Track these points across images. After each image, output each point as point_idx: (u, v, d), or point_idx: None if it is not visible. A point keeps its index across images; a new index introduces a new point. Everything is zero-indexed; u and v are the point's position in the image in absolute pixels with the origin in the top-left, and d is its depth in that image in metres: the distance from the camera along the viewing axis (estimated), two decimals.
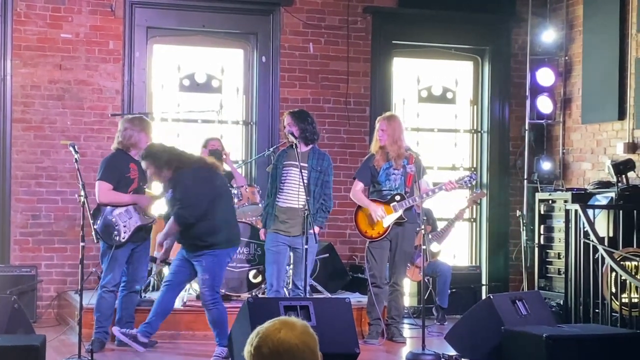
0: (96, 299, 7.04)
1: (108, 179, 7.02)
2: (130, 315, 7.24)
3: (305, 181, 7.22)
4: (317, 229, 7.31)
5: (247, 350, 2.48)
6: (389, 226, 7.55)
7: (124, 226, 7.03)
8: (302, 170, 7.20)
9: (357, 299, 8.14)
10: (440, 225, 9.10)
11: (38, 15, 8.94)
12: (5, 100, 8.84)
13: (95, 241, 6.70)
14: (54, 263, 8.95)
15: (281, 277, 7.32)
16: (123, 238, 7.02)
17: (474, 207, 10.17)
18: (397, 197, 7.55)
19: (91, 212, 6.84)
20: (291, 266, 7.62)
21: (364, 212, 7.68)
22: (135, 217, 7.09)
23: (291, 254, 7.44)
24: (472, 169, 10.24)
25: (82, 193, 6.55)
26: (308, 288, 7.47)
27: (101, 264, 7.04)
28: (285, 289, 7.56)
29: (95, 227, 6.71)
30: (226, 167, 8.61)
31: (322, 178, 7.36)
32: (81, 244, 6.52)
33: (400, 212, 7.52)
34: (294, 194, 7.30)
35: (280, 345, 2.43)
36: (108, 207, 7.06)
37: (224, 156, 8.57)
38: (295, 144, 7.30)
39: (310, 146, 7.41)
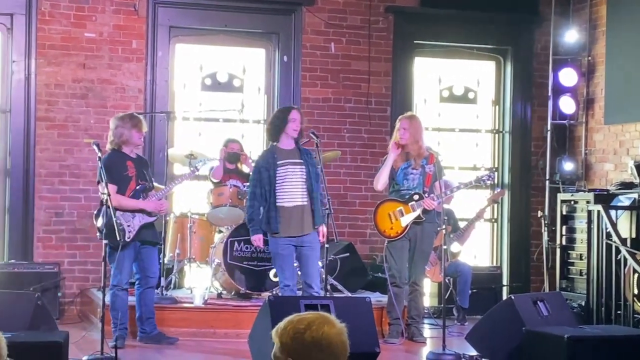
0: (110, 299, 7.04)
1: (112, 181, 6.91)
2: (150, 311, 7.29)
3: (305, 177, 7.18)
4: (324, 227, 7.20)
5: (284, 331, 2.52)
6: (407, 225, 7.54)
7: (128, 225, 7.06)
8: (298, 167, 7.16)
9: (377, 298, 8.14)
10: (462, 225, 9.08)
11: (62, 14, 9.01)
12: (29, 98, 8.91)
13: (102, 239, 6.65)
14: (76, 260, 9.01)
15: (294, 276, 7.28)
16: (128, 238, 7.04)
17: (495, 206, 10.15)
18: (416, 197, 7.55)
19: (94, 212, 6.90)
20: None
21: (383, 212, 7.68)
22: (138, 216, 7.12)
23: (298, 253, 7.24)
24: (494, 169, 10.22)
25: (105, 190, 6.60)
26: (328, 287, 7.48)
27: (109, 264, 7.04)
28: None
29: (99, 226, 6.76)
30: (245, 168, 8.65)
31: (315, 172, 7.23)
32: (104, 241, 6.59)
33: (418, 212, 7.52)
34: (298, 192, 7.17)
35: (323, 338, 2.50)
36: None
37: (243, 158, 8.61)
38: (317, 143, 7.29)
39: (295, 143, 7.26)
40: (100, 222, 6.88)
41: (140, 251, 7.18)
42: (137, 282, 7.23)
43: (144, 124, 7.29)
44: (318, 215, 7.14)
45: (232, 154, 8.54)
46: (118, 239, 6.76)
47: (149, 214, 7.17)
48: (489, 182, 7.88)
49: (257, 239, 7.21)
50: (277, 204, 7.12)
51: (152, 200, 7.21)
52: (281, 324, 2.60)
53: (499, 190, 9.67)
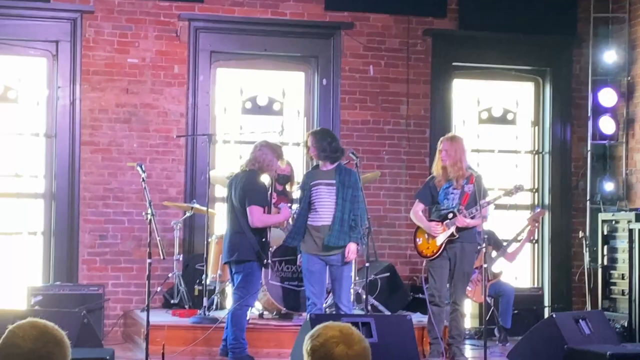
0: (239, 319, 7.21)
1: (259, 203, 7.23)
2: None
3: (335, 198, 7.29)
4: (353, 246, 7.25)
5: (307, 341, 2.55)
6: (442, 244, 7.56)
7: (270, 249, 7.35)
8: (331, 187, 7.29)
9: (418, 318, 8.15)
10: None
11: (106, 40, 9.20)
12: (74, 123, 9.09)
13: (266, 263, 7.14)
14: (120, 282, 9.13)
15: (323, 294, 7.39)
16: (269, 259, 7.36)
17: (537, 227, 10.13)
18: (450, 215, 7.58)
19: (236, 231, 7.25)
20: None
21: (422, 232, 7.72)
22: (269, 236, 7.37)
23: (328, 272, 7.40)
24: (534, 190, 10.21)
25: (149, 211, 6.71)
26: (369, 307, 7.52)
27: (240, 284, 7.22)
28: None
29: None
30: (295, 189, 8.75)
31: (351, 193, 7.35)
32: (148, 260, 6.70)
33: (452, 230, 7.53)
34: (326, 212, 7.32)
35: (332, 358, 2.48)
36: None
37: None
38: (356, 163, 7.39)
39: (336, 164, 7.45)
40: (261, 241, 7.22)
41: None
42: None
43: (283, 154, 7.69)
44: (334, 234, 7.20)
45: (282, 176, 8.62)
46: (268, 261, 7.21)
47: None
48: (516, 192, 7.86)
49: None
50: (308, 223, 7.32)
51: (283, 210, 7.59)
52: (311, 332, 2.63)
53: (538, 209, 9.66)
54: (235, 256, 7.22)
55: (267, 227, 7.34)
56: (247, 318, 7.74)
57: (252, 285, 7.22)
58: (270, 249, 7.48)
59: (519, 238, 8.93)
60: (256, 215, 7.18)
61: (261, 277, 7.45)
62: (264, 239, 7.25)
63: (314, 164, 7.67)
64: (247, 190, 7.23)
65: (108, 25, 9.20)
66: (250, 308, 7.38)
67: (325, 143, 7.41)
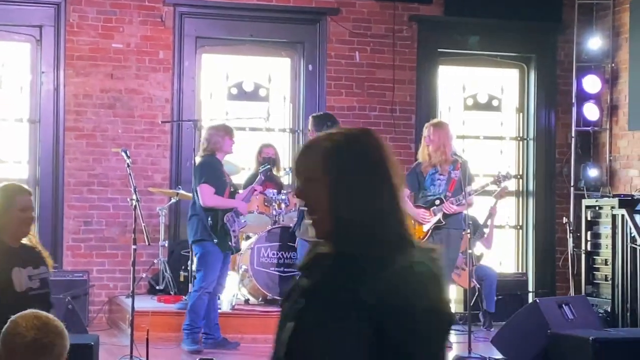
0: (192, 302, 7.19)
1: (210, 183, 7.20)
2: (217, 317, 7.43)
3: None
4: None
5: None
6: (428, 230, 7.59)
7: (233, 231, 7.24)
8: None
9: None
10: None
11: (90, 25, 9.16)
12: (58, 109, 9.05)
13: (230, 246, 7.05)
14: (105, 269, 9.12)
15: None
16: (234, 244, 7.27)
17: (520, 213, 10.20)
18: (437, 202, 7.61)
19: (191, 214, 7.18)
20: None
21: (408, 218, 7.72)
22: (236, 223, 7.29)
23: None
24: (518, 176, 10.25)
25: (134, 197, 6.70)
26: None
27: (197, 265, 7.23)
28: None
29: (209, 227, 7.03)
30: (282, 174, 8.75)
31: None
32: (133, 247, 6.68)
33: (438, 216, 7.56)
34: None
35: None
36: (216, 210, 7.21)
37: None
38: None
39: None
40: (208, 222, 7.10)
41: (224, 258, 7.35)
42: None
43: (234, 133, 7.52)
44: None
45: (267, 159, 8.61)
46: (231, 245, 7.11)
47: (238, 220, 7.34)
48: (504, 181, 7.91)
49: None
50: (301, 208, 7.30)
51: (240, 201, 7.44)
52: None
53: (503, 186, 9.72)
54: (192, 237, 7.27)
55: (220, 208, 7.23)
56: (233, 305, 7.77)
57: (209, 267, 7.17)
58: (236, 233, 7.32)
59: (487, 222, 9.00)
60: (206, 194, 7.16)
61: (220, 259, 7.25)
62: (211, 220, 7.15)
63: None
64: (197, 171, 7.29)
65: (92, 10, 9.15)
66: (209, 294, 7.22)
67: (325, 127, 7.43)
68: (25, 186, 4.71)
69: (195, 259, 7.30)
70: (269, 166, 8.01)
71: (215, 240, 7.13)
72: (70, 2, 9.07)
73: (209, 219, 7.16)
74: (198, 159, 7.44)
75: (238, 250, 7.52)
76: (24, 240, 4.45)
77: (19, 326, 2.73)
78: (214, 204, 7.19)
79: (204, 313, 7.21)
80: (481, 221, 9.10)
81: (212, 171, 7.25)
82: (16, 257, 4.34)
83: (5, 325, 2.75)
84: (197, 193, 7.21)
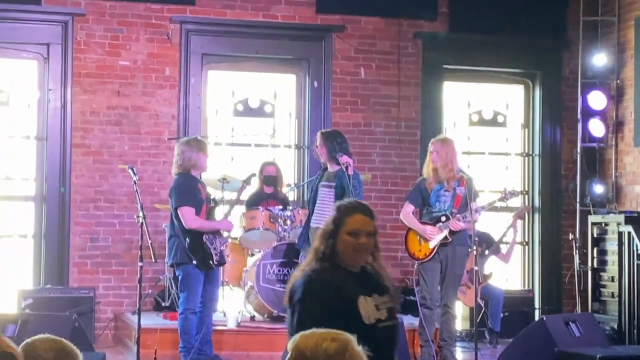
0: (180, 323, 7.09)
1: (189, 204, 7.03)
2: (210, 333, 7.33)
3: (334, 200, 7.26)
4: None
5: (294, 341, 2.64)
6: (434, 247, 7.58)
7: (214, 249, 7.14)
8: (331, 189, 7.31)
9: (409, 321, 8.16)
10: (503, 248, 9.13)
11: (97, 43, 9.20)
12: (65, 126, 9.08)
13: (195, 264, 6.90)
14: (111, 285, 9.13)
15: None
16: (216, 262, 7.14)
17: (526, 230, 10.18)
18: (443, 218, 7.59)
19: (170, 235, 7.05)
20: None
21: (413, 234, 7.73)
22: (218, 239, 7.21)
23: None
24: (524, 192, 10.25)
25: (141, 214, 6.71)
26: None
27: (180, 287, 7.19)
28: None
29: (188, 250, 6.92)
30: (286, 191, 8.76)
31: (345, 194, 7.27)
32: (139, 264, 6.69)
33: (445, 233, 7.55)
34: (326, 214, 7.30)
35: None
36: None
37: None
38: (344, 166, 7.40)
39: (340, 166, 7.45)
40: (186, 243, 6.98)
41: (209, 274, 7.21)
42: (200, 304, 7.21)
43: (208, 147, 7.38)
44: None
45: (268, 177, 8.60)
46: (213, 263, 6.98)
47: (221, 236, 7.26)
48: (511, 198, 7.90)
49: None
50: (311, 225, 7.35)
51: (224, 220, 7.35)
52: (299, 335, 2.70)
53: (522, 207, 9.73)
54: (171, 259, 7.17)
55: (203, 230, 7.06)
56: (239, 322, 7.76)
57: (191, 290, 7.06)
58: (218, 250, 7.16)
59: (504, 240, 8.98)
60: (188, 217, 6.99)
61: (201, 281, 7.08)
62: (189, 240, 6.98)
63: (323, 166, 7.69)
64: (173, 193, 7.13)
65: (99, 28, 9.20)
66: (196, 313, 7.10)
67: (334, 143, 7.44)
68: None
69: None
70: (252, 174, 8.02)
71: (195, 262, 7.01)
72: (77, 20, 9.12)
73: (187, 239, 7.02)
74: (174, 177, 7.26)
75: (223, 263, 7.40)
76: None
77: (37, 348, 2.82)
78: (197, 226, 7.03)
79: (195, 331, 7.17)
80: (496, 237, 9.10)
81: (190, 190, 7.09)
82: None
83: (22, 347, 2.81)
84: (176, 214, 7.07)
